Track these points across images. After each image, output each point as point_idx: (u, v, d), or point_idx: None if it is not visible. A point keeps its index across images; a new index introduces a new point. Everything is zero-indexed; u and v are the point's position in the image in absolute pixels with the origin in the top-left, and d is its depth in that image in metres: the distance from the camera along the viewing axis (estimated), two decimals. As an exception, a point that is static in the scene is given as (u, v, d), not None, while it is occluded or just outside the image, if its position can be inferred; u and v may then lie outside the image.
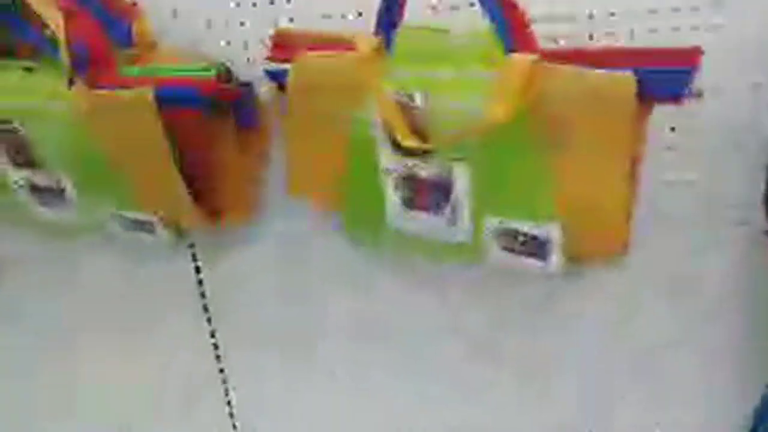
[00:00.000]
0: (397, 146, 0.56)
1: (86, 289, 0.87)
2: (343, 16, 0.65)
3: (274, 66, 0.61)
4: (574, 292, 0.66)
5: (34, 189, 0.68)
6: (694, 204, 0.60)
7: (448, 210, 0.58)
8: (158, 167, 0.61)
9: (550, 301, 0.67)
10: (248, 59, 0.68)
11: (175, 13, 0.69)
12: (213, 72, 0.60)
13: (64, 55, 0.59)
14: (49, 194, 0.68)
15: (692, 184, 0.59)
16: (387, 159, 0.57)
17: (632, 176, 0.52)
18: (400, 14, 0.54)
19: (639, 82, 0.48)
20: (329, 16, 0.65)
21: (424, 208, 0.58)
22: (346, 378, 0.81)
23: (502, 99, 0.48)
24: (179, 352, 0.87)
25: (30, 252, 0.86)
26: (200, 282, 0.82)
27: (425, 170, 0.56)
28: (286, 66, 0.59)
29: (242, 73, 0.66)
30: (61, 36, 0.59)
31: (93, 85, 0.60)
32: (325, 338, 0.80)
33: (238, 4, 0.67)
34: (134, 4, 0.68)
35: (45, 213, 0.70)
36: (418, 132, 0.55)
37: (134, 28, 0.67)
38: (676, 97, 0.49)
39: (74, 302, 0.88)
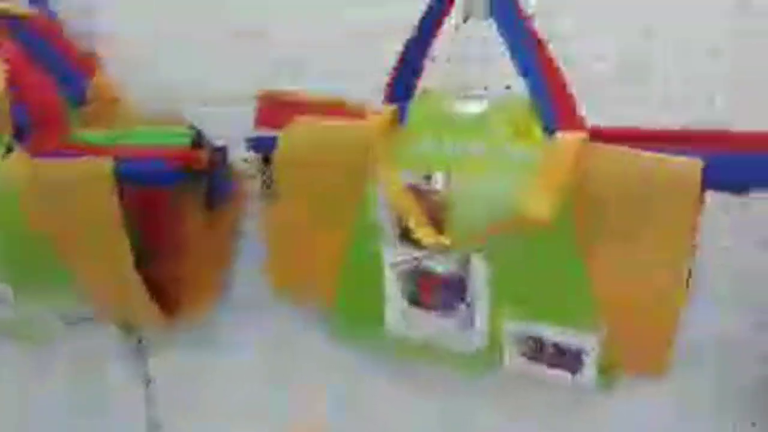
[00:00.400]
0: (405, 236, 0.47)
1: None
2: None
3: (259, 133, 0.52)
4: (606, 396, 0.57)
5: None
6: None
7: (461, 310, 0.48)
8: (110, 254, 0.51)
9: (581, 405, 0.58)
10: (225, 120, 0.59)
11: (140, 65, 0.59)
12: (186, 140, 0.50)
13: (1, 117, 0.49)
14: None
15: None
16: (392, 250, 0.48)
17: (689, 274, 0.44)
18: (418, 77, 0.46)
19: (705, 168, 0.40)
20: (328, 74, 0.57)
21: (433, 308, 0.49)
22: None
23: (547, 191, 0.40)
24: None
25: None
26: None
27: (437, 264, 0.47)
28: (275, 134, 0.49)
29: (213, 133, 0.56)
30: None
31: (37, 152, 0.50)
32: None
33: (216, 56, 0.58)
34: (92, 55, 0.59)
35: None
36: (434, 218, 0.46)
37: (93, 83, 0.57)
38: (746, 187, 0.41)
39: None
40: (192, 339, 0.66)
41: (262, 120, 0.52)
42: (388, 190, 0.45)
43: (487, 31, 0.51)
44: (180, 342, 0.66)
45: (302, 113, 0.50)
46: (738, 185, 0.41)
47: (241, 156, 0.58)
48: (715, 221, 0.47)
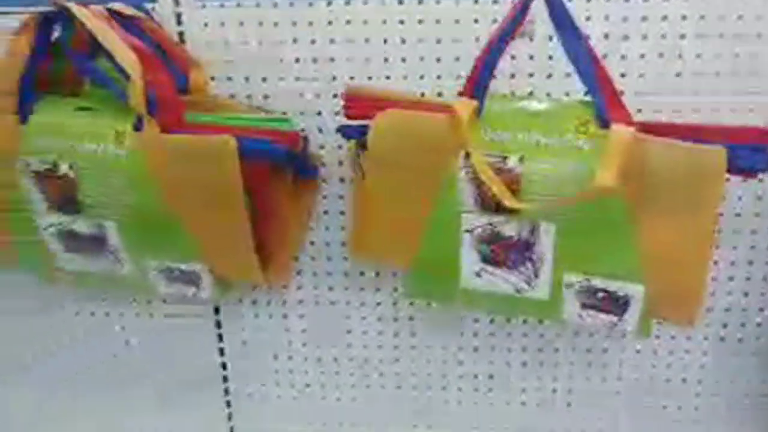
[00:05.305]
0: (483, 205, 0.57)
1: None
2: (406, 78, 0.67)
3: (350, 122, 0.61)
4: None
5: (69, 236, 0.63)
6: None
7: (528, 267, 0.58)
8: (228, 218, 0.59)
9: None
10: (302, 112, 0.68)
11: (225, 62, 0.68)
12: (292, 124, 0.59)
13: (136, 97, 0.56)
14: (88, 242, 0.63)
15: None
16: (471, 217, 0.58)
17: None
18: (491, 78, 0.56)
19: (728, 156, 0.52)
20: (385, 78, 0.67)
21: (504, 266, 0.59)
22: None
23: (611, 166, 0.51)
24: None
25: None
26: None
27: (510, 228, 0.57)
28: (367, 122, 0.59)
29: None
30: (136, 77, 0.56)
31: (162, 128, 0.58)
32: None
33: (297, 60, 0.67)
34: (186, 52, 0.67)
35: (74, 261, 0.65)
36: (510, 190, 0.55)
37: (191, 77, 0.66)
38: (756, 172, 0.53)
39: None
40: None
41: (350, 112, 0.61)
42: (475, 165, 0.55)
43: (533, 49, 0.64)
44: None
45: (387, 107, 0.59)
46: (752, 170, 0.53)
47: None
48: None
